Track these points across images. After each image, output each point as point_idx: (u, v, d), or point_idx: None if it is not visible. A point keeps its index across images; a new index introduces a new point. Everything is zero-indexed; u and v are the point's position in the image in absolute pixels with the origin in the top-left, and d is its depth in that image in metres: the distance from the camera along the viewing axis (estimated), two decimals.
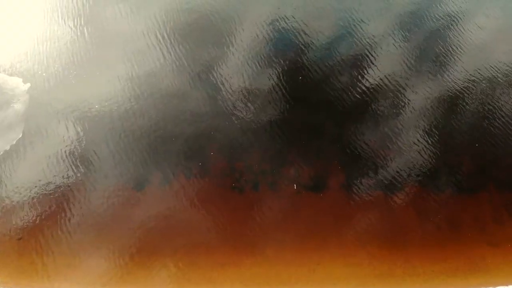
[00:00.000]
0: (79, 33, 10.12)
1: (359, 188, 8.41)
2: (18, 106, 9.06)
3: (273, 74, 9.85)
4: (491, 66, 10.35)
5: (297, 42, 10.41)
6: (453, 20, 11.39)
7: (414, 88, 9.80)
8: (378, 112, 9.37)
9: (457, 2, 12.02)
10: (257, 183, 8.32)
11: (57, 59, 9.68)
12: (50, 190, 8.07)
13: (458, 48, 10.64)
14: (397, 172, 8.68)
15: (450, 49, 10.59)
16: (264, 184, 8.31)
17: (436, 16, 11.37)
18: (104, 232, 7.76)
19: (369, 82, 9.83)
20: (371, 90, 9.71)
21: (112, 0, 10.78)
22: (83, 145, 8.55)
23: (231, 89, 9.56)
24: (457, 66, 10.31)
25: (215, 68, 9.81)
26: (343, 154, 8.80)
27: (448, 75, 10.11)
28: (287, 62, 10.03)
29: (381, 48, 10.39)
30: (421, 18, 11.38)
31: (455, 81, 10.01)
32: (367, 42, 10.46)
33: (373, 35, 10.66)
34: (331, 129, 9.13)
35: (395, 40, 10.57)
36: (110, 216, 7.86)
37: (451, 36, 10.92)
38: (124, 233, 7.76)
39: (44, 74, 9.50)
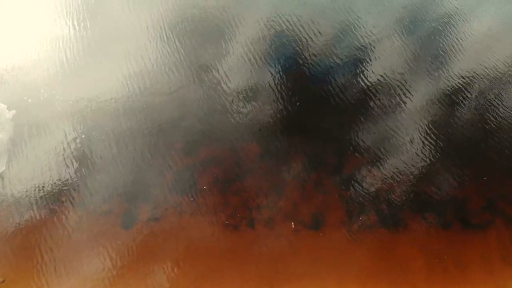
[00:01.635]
0: (66, 55, 9.73)
1: (360, 224, 7.95)
2: (2, 135, 8.60)
3: (267, 97, 9.46)
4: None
5: (296, 44, 10.06)
6: (454, 18, 11.14)
7: (420, 114, 9.42)
8: (380, 142, 8.95)
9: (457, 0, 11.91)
10: (252, 219, 7.86)
11: (43, 83, 9.27)
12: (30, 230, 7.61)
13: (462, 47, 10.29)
14: (400, 207, 8.23)
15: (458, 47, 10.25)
16: (260, 221, 7.84)
17: (436, 14, 11.06)
18: (87, 274, 7.28)
19: (370, 99, 9.45)
20: (372, 111, 9.32)
21: (102, 15, 10.43)
22: (69, 178, 8.10)
23: (223, 115, 9.17)
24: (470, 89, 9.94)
25: (207, 89, 9.42)
26: (343, 187, 8.36)
27: (454, 99, 9.74)
28: (284, 77, 9.64)
29: (382, 46, 10.07)
30: (421, 17, 11.13)
31: (461, 108, 9.65)
32: (367, 41, 10.13)
33: (373, 33, 10.40)
34: (331, 160, 8.70)
35: (395, 39, 10.23)
36: (95, 259, 7.37)
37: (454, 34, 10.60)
38: (108, 276, 7.28)
39: (29, 100, 9.07)
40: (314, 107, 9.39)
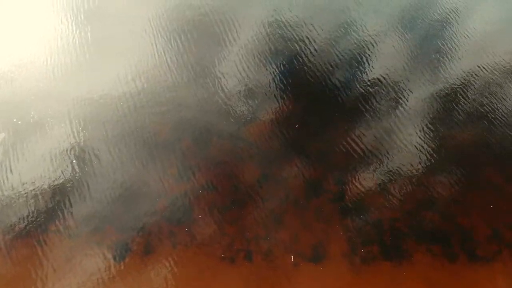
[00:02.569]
0: (56, 74, 9.43)
1: (362, 257, 7.61)
2: None
3: (265, 119, 9.15)
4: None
5: (294, 45, 9.76)
6: (455, 16, 10.93)
7: (425, 141, 9.12)
8: (382, 169, 8.63)
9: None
10: (250, 252, 7.50)
11: (33, 105, 8.94)
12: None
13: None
14: (404, 237, 7.90)
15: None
16: (258, 253, 7.49)
17: (436, 13, 10.81)
18: None
19: (373, 124, 9.16)
20: (375, 138, 9.02)
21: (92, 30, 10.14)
22: (58, 207, 7.75)
23: (220, 136, 8.86)
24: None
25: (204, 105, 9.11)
26: (344, 215, 8.03)
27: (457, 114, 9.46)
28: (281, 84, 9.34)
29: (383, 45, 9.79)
30: (421, 16, 10.94)
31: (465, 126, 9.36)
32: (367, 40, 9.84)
33: (373, 33, 10.11)
34: (331, 186, 8.37)
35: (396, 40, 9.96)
36: None
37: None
38: None
39: (19, 122, 8.73)
40: (314, 130, 9.08)
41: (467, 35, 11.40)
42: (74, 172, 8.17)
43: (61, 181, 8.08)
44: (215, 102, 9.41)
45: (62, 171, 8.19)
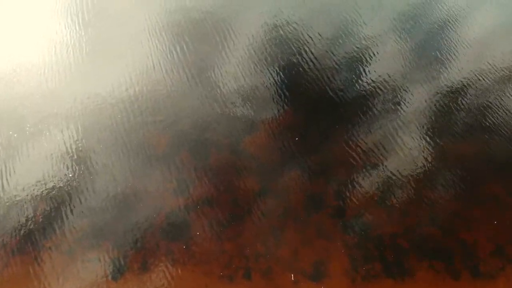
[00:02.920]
0: (51, 84, 9.27)
1: (364, 275, 7.47)
2: None
3: (265, 131, 9.00)
4: None
5: (295, 44, 9.62)
6: (455, 19, 10.82)
7: (428, 154, 8.98)
8: (383, 182, 8.49)
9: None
10: (249, 269, 7.35)
11: (27, 116, 8.78)
12: None
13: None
14: (406, 254, 7.75)
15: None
16: (257, 271, 7.33)
17: (436, 17, 10.68)
18: None
19: (374, 136, 9.02)
20: (376, 151, 8.88)
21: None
22: (54, 221, 7.59)
23: (218, 148, 8.71)
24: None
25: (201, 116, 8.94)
26: (345, 231, 7.88)
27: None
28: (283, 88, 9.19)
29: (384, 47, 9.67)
30: (422, 19, 10.82)
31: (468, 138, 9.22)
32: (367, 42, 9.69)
33: (373, 35, 9.94)
34: (332, 201, 8.22)
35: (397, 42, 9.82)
36: None
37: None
38: None
39: (15, 135, 8.56)
40: (314, 142, 8.93)
41: (467, 42, 11.28)
42: (69, 187, 8.01)
43: (56, 196, 7.92)
44: (213, 113, 9.26)
45: (57, 186, 8.03)
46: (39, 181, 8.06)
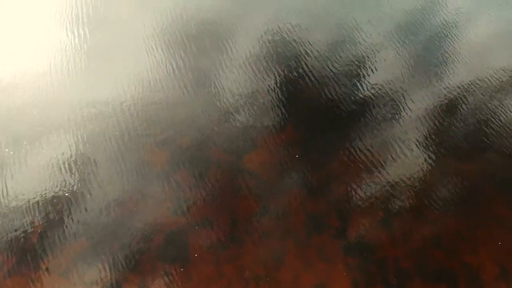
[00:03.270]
0: (46, 95, 9.10)
1: None
2: None
3: (265, 147, 8.83)
4: None
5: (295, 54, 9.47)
6: (455, 28, 10.69)
7: (430, 171, 8.83)
8: (386, 203, 8.33)
9: (455, 10, 11.56)
10: None
11: (24, 134, 8.60)
12: None
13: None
14: (409, 277, 7.58)
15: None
16: None
17: (436, 25, 10.57)
18: None
19: (376, 154, 8.87)
20: (378, 168, 8.72)
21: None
22: (49, 242, 7.39)
23: (216, 165, 8.54)
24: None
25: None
26: (347, 253, 7.70)
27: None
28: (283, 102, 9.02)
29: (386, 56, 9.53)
30: (421, 27, 10.72)
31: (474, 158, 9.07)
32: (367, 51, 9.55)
33: (374, 44, 9.79)
34: (334, 222, 8.05)
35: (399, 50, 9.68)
36: None
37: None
38: None
39: (11, 153, 8.36)
40: (315, 159, 8.78)
41: (467, 54, 11.18)
42: (64, 207, 7.82)
43: (50, 215, 7.72)
44: (213, 131, 9.10)
45: (51, 205, 7.83)
46: (33, 200, 7.87)
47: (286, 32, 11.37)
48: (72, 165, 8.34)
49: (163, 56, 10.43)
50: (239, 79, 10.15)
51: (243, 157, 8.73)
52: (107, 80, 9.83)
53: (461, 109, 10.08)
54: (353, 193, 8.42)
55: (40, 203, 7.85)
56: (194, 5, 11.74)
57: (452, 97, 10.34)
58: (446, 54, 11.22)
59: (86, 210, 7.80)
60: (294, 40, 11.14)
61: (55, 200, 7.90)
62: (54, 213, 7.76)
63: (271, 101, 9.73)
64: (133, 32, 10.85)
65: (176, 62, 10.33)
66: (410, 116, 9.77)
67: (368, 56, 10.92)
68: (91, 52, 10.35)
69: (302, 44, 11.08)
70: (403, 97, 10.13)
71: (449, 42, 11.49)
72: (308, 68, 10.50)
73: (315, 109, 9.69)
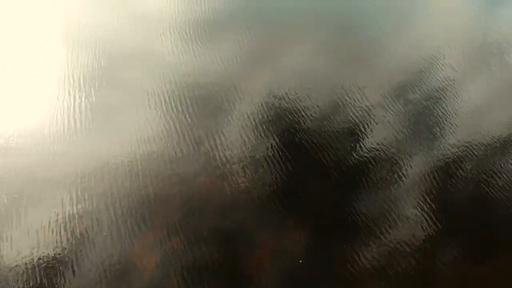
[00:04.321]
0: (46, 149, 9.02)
1: None
2: None
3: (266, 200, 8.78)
4: None
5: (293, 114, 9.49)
6: (452, 87, 10.85)
7: (430, 225, 8.81)
8: (384, 244, 8.24)
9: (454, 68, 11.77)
10: None
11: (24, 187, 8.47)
12: None
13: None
14: None
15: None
16: None
17: (433, 84, 10.72)
18: None
19: (374, 203, 8.83)
20: (377, 218, 8.68)
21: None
22: None
23: (219, 216, 8.44)
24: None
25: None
26: None
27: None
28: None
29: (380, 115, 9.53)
30: (418, 86, 10.82)
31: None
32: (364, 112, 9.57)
33: (370, 104, 9.84)
34: (336, 267, 7.92)
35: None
36: None
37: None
38: None
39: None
40: (314, 212, 8.71)
41: (465, 113, 11.25)
42: (58, 264, 7.62)
43: (44, 273, 7.53)
44: (212, 182, 9.04)
45: (44, 263, 7.64)
46: (27, 258, 7.67)
47: (284, 96, 11.51)
48: (69, 224, 8.17)
49: (172, 117, 10.44)
50: (242, 133, 10.17)
51: (243, 210, 8.63)
52: (107, 138, 9.79)
53: (460, 167, 10.17)
54: (353, 238, 8.31)
55: (33, 261, 7.64)
56: (194, 71, 11.84)
57: (451, 154, 10.45)
58: (445, 114, 11.38)
59: (78, 269, 7.58)
60: (292, 103, 11.23)
61: (47, 259, 7.69)
62: (46, 270, 7.55)
63: (271, 154, 9.74)
64: (136, 93, 10.85)
65: (182, 122, 10.34)
66: (409, 174, 9.80)
67: (366, 118, 11.02)
68: (96, 109, 10.28)
69: (300, 107, 11.14)
70: (402, 155, 10.20)
71: (448, 100, 11.65)
72: (305, 133, 10.53)
73: (314, 163, 9.67)
